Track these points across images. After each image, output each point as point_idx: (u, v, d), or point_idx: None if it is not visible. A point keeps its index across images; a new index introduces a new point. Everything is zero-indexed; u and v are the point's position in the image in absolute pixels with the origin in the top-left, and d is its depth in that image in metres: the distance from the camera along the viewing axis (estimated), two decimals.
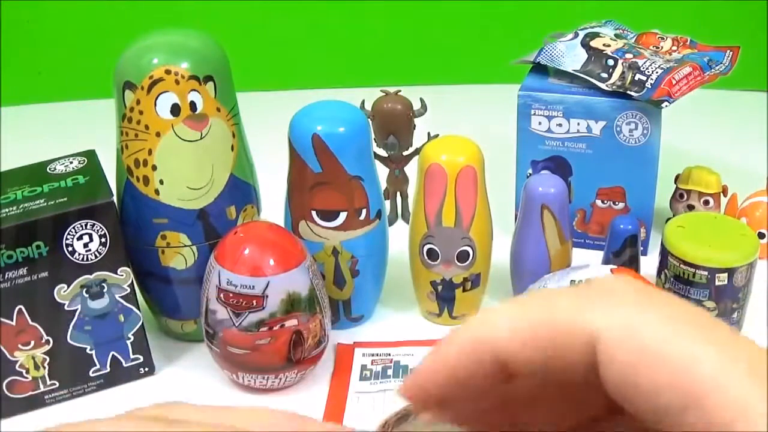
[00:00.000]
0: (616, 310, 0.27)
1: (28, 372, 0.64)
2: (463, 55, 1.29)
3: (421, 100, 0.84)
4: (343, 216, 0.68)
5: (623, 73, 0.77)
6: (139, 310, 0.66)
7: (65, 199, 0.62)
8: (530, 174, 0.80)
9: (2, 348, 0.62)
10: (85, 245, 0.62)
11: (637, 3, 1.18)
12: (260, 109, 0.93)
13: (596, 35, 0.81)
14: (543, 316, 0.27)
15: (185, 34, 0.65)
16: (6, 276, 0.60)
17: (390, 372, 0.67)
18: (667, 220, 0.74)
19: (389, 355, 0.69)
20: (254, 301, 0.61)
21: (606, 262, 0.75)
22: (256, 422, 0.25)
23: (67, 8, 1.26)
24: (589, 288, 0.29)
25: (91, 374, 0.66)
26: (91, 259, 0.63)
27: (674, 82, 0.75)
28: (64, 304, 0.63)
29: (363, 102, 0.81)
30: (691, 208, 0.83)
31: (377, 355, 0.69)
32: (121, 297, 0.65)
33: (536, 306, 0.28)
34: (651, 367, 0.25)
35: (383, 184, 0.80)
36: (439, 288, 0.71)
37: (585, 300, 0.28)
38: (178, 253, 0.67)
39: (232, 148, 0.66)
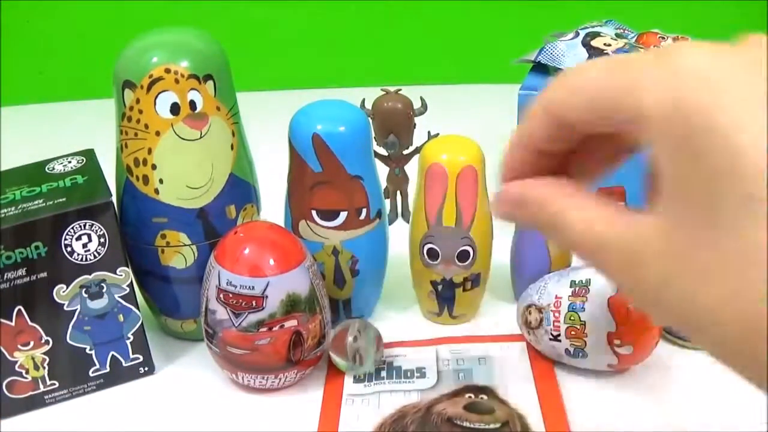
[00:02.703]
0: (665, 87, 0.30)
1: (27, 372, 0.64)
2: (463, 55, 1.28)
3: (422, 99, 0.84)
4: (343, 216, 0.68)
5: None
6: (138, 309, 0.66)
7: (64, 199, 0.62)
8: None
9: (2, 348, 0.62)
10: (84, 245, 0.62)
11: (638, 3, 1.18)
12: (260, 109, 0.93)
13: (597, 35, 0.81)
14: (602, 86, 0.32)
15: (185, 33, 0.65)
16: (5, 277, 0.60)
17: (384, 374, 0.67)
18: None
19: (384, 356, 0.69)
20: (254, 302, 0.61)
21: None
22: None
23: (67, 8, 1.25)
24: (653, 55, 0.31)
25: (90, 374, 0.66)
26: (90, 259, 0.63)
27: None
28: (64, 304, 0.63)
29: (363, 101, 0.81)
30: None
31: None
32: (121, 297, 0.65)
33: (595, 77, 0.33)
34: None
35: (383, 183, 0.80)
36: (440, 287, 0.71)
37: (637, 74, 0.31)
38: (178, 253, 0.67)
39: (232, 147, 0.66)
